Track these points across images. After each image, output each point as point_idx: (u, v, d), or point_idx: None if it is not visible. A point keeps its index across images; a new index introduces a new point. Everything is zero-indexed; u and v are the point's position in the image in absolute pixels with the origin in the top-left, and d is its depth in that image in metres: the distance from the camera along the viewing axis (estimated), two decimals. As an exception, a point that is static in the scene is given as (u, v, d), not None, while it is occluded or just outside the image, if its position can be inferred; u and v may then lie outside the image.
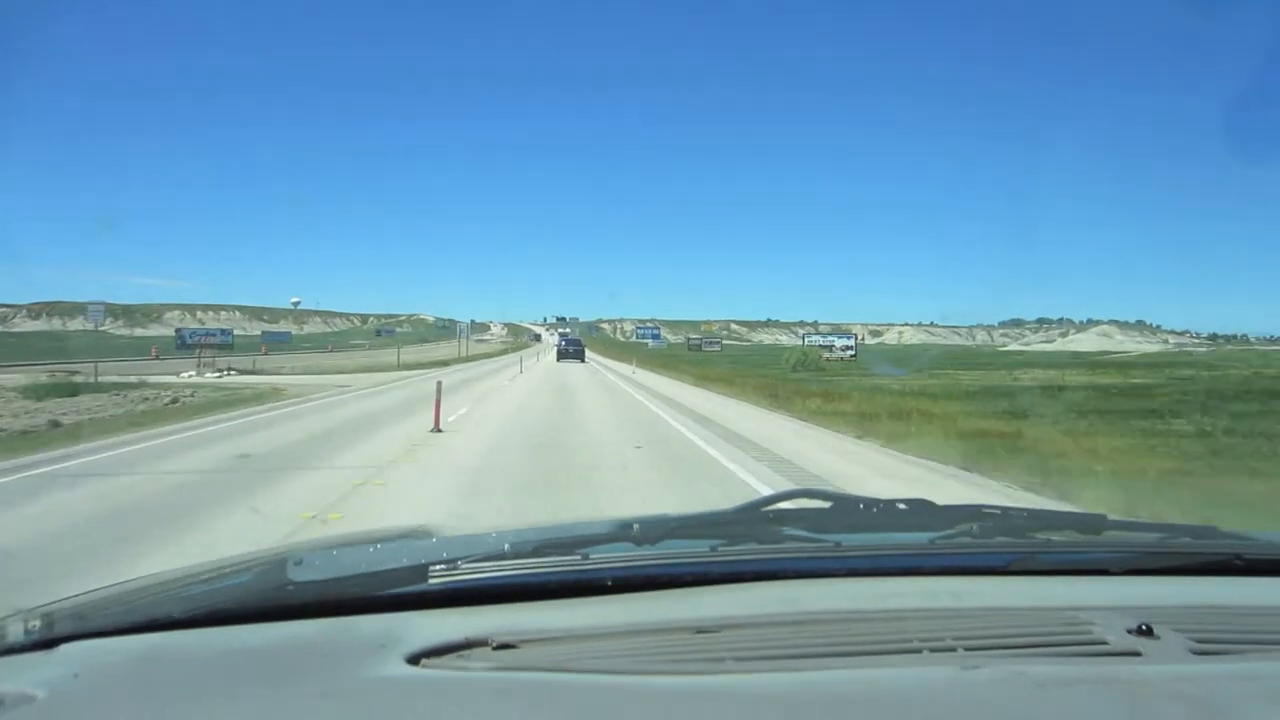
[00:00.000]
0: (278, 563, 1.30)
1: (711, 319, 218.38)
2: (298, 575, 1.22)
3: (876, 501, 1.46)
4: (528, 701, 0.86)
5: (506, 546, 1.26)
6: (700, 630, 1.05)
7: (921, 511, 1.45)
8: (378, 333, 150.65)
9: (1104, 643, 1.01)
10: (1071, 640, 1.02)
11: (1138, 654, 0.98)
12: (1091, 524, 1.46)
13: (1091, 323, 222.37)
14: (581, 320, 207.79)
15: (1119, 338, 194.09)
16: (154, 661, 1.03)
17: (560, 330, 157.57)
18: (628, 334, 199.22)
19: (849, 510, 1.47)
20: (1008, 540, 1.40)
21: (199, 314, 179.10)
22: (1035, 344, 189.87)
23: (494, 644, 1.00)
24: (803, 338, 59.03)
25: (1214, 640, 1.02)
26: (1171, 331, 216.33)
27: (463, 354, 65.20)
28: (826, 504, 1.49)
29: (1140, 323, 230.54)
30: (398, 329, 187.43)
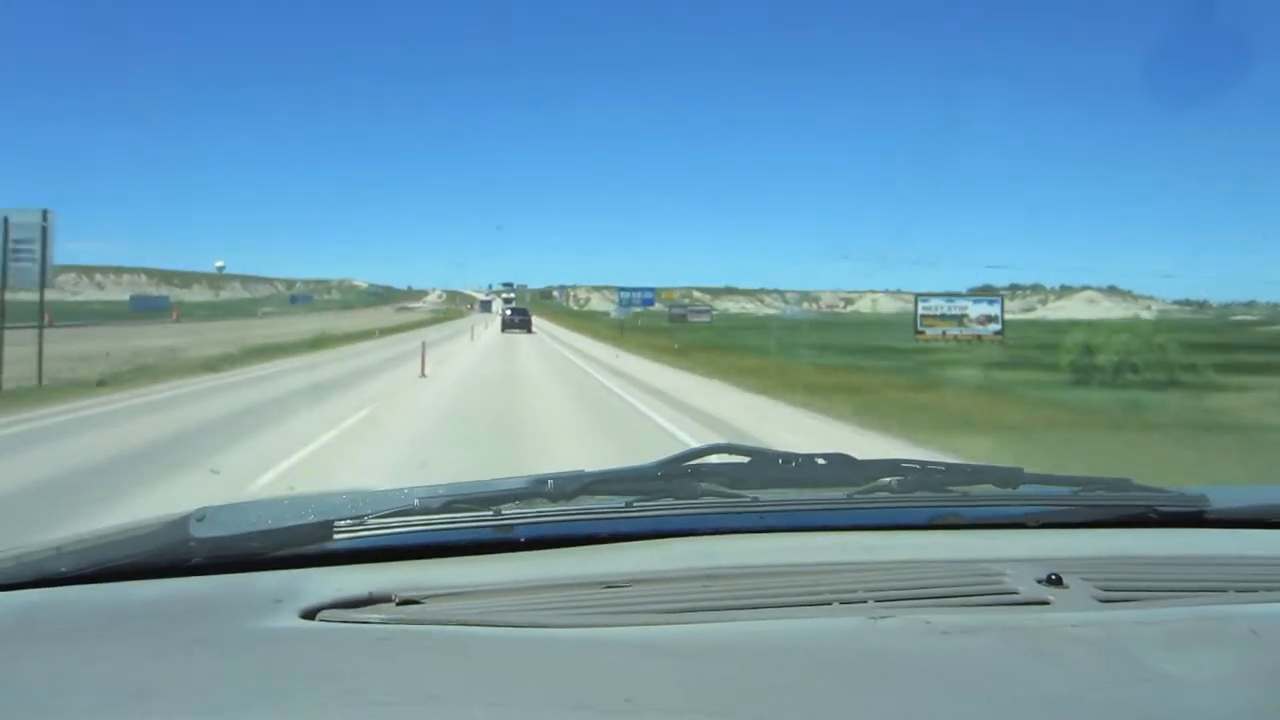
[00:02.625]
0: (181, 520, 1.23)
1: (671, 286, 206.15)
2: (199, 531, 1.17)
3: (795, 456, 1.42)
4: (422, 651, 0.87)
5: (416, 502, 1.22)
6: (610, 585, 1.05)
7: (840, 466, 1.42)
8: (292, 299, 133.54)
9: (1014, 592, 1.03)
10: (982, 591, 1.04)
11: (1046, 603, 1.00)
12: (1009, 477, 1.45)
13: (1067, 289, 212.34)
14: (531, 288, 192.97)
15: (1105, 304, 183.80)
16: (34, 616, 1.01)
17: (505, 296, 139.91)
18: (582, 301, 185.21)
19: (768, 465, 1.42)
20: (926, 495, 1.39)
21: (97, 276, 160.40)
22: (1017, 312, 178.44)
23: (397, 600, 0.99)
24: (915, 300, 38.27)
25: (1120, 589, 1.05)
26: (1148, 297, 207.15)
27: (372, 327, 50.10)
28: (746, 459, 1.43)
29: (1113, 288, 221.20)
30: (325, 295, 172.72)
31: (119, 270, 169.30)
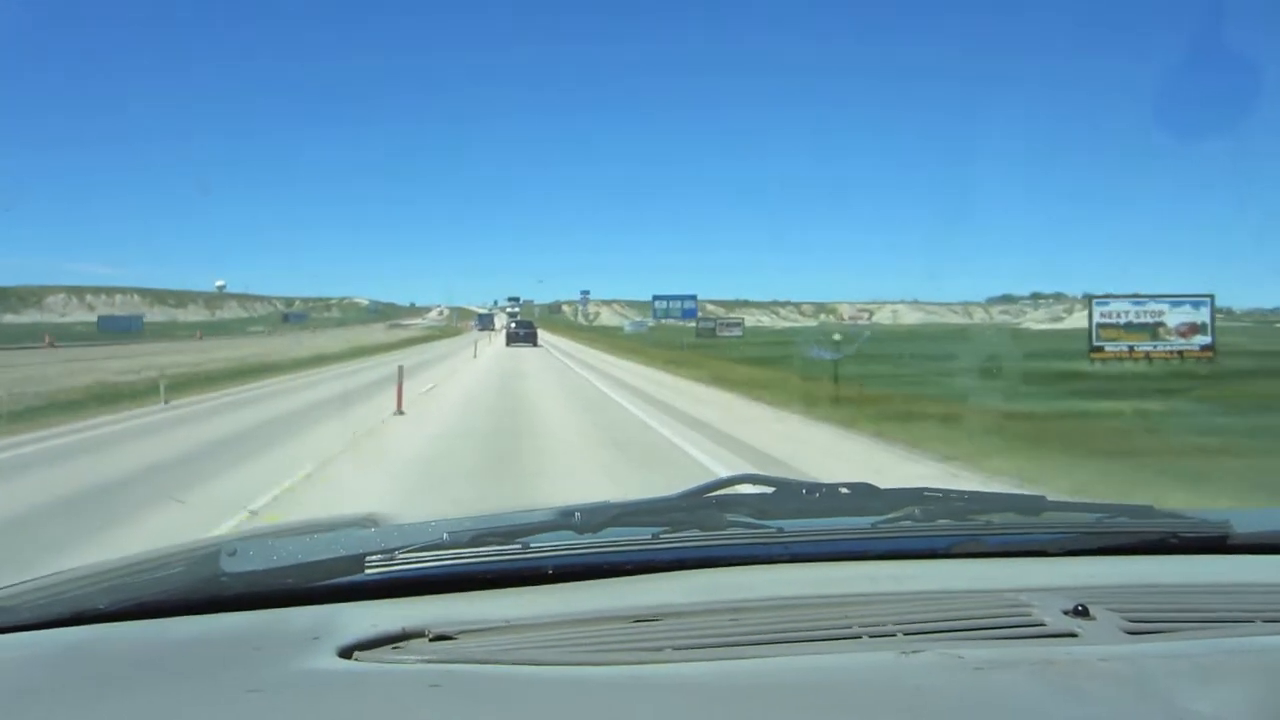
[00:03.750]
0: (211, 553, 1.23)
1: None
2: (230, 566, 1.17)
3: (819, 486, 1.46)
4: (460, 694, 0.87)
5: (445, 536, 1.23)
6: (638, 619, 1.06)
7: (864, 495, 1.44)
8: (285, 318, 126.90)
9: (1041, 624, 1.03)
10: (1010, 623, 1.04)
11: (1074, 635, 1.01)
12: (1031, 505, 1.47)
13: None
14: (538, 304, 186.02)
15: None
16: (76, 655, 1.01)
17: (510, 311, 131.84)
18: (591, 316, 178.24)
19: (792, 495, 1.44)
20: (949, 523, 1.39)
21: (88, 297, 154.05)
22: (1041, 321, 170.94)
23: (430, 635, 1.00)
24: (1089, 304, 26.78)
25: (1147, 619, 1.05)
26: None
27: (361, 344, 44.08)
28: (770, 489, 1.47)
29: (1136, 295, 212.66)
30: (325, 313, 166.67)
31: (111, 290, 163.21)
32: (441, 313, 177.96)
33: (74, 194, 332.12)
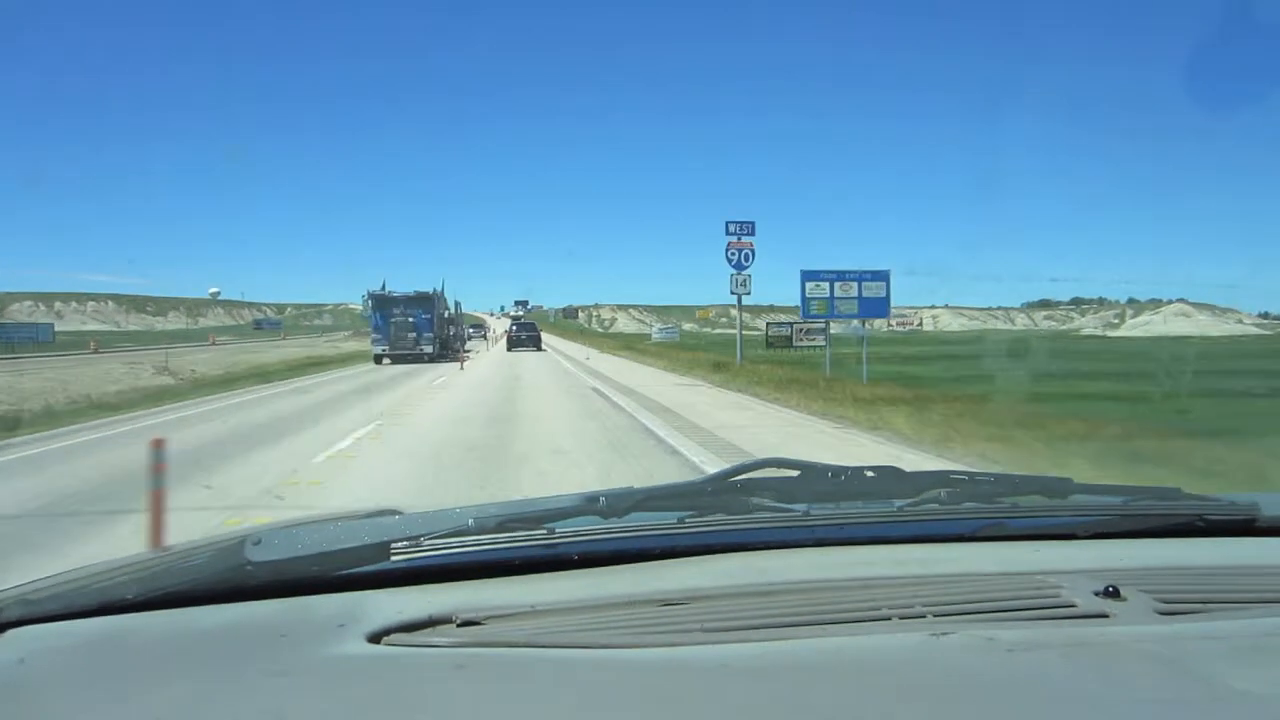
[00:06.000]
0: (236, 543, 1.24)
1: (707, 304, 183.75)
2: (256, 555, 1.17)
3: (845, 469, 1.43)
4: (491, 676, 0.87)
5: (470, 522, 1.23)
6: (667, 603, 1.05)
7: (889, 478, 1.44)
8: (256, 324, 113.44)
9: (1072, 605, 1.02)
10: (1040, 604, 1.03)
11: (1106, 616, 0.99)
12: (1058, 488, 1.45)
13: (1154, 302, 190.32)
14: (548, 308, 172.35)
15: (1200, 318, 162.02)
16: (104, 645, 1.01)
17: (513, 315, 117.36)
18: (606, 322, 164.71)
19: (817, 479, 1.43)
20: (975, 506, 1.38)
21: (56, 304, 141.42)
22: (1095, 328, 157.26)
23: (458, 621, 1.00)
24: None
25: (1179, 600, 1.04)
26: (1232, 310, 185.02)
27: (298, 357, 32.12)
28: (795, 473, 1.45)
29: (1182, 302, 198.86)
30: (316, 319, 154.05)
31: (83, 297, 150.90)
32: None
33: (63, 198, 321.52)
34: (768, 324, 47.93)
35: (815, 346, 39.85)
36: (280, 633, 0.99)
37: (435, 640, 0.95)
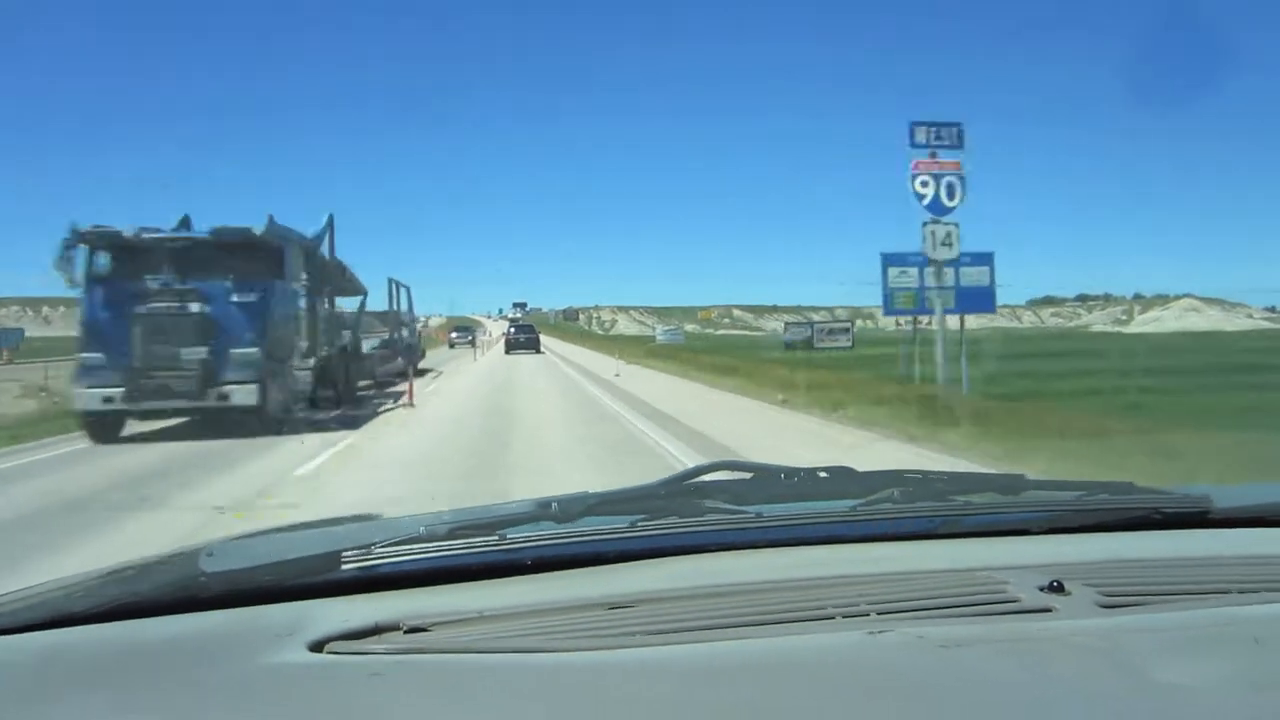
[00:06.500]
0: (190, 554, 1.25)
1: (709, 305, 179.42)
2: (209, 566, 1.17)
3: (797, 471, 1.45)
4: (429, 683, 0.88)
5: (422, 529, 1.22)
6: (614, 606, 1.05)
7: (843, 479, 1.45)
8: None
9: (1016, 600, 1.02)
10: (984, 600, 1.03)
11: (1048, 610, 1.00)
12: (1011, 485, 1.47)
13: (1160, 298, 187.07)
14: (545, 310, 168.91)
15: (1211, 313, 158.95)
16: (52, 658, 1.01)
17: (511, 317, 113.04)
18: (607, 324, 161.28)
19: (770, 481, 1.46)
20: (928, 505, 1.38)
21: (44, 309, 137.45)
22: (1105, 324, 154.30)
23: (405, 628, 0.99)
24: None
25: (1123, 594, 1.04)
26: (1241, 305, 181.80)
27: None
28: (748, 475, 1.47)
29: (1191, 298, 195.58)
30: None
31: (71, 302, 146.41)
32: (423, 323, 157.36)
33: (63, 201, 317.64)
34: (786, 324, 44.60)
35: (838, 349, 36.79)
36: (224, 644, 0.98)
37: (375, 647, 0.94)
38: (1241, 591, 1.06)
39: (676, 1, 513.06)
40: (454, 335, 56.71)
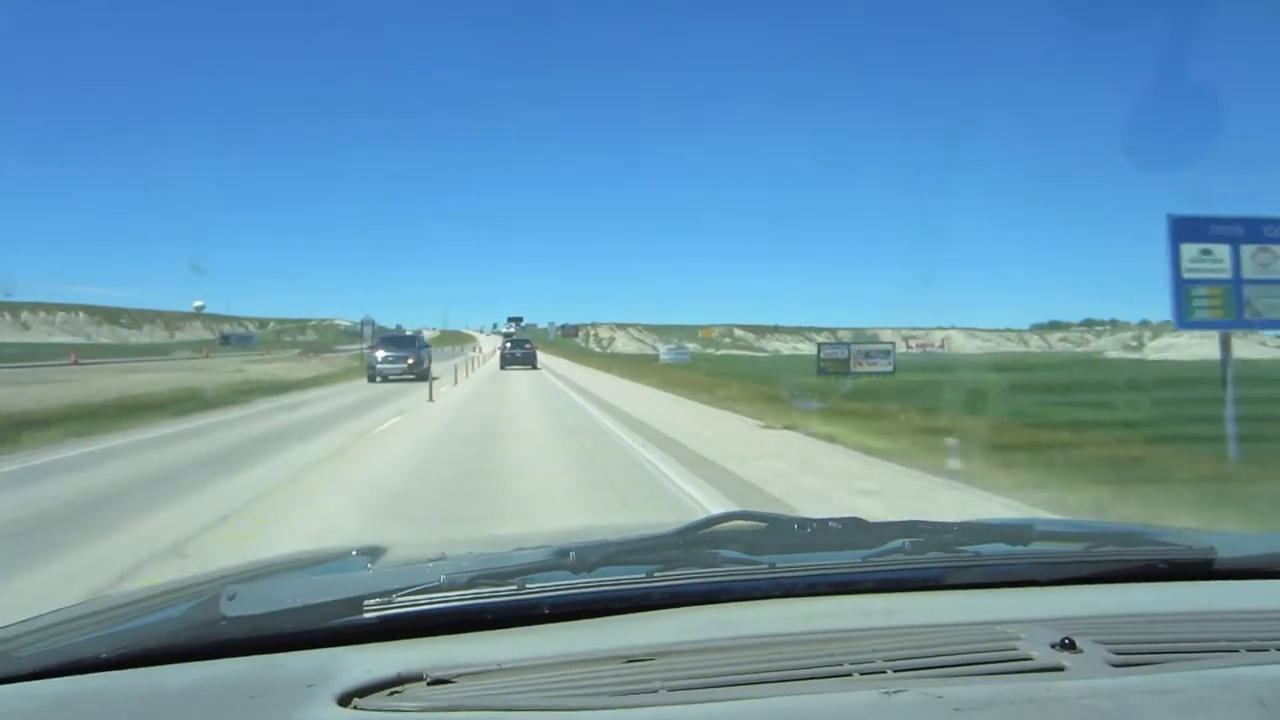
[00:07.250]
0: (209, 598, 1.25)
1: (711, 324, 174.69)
2: (230, 610, 1.18)
3: (810, 521, 1.47)
4: None
5: (443, 577, 1.24)
6: (633, 659, 1.07)
7: (854, 529, 1.47)
8: (224, 339, 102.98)
9: (1029, 658, 1.04)
10: (998, 658, 1.05)
11: (1061, 669, 1.01)
12: (1020, 535, 1.50)
13: (1168, 323, 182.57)
14: (541, 325, 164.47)
15: (1234, 337, 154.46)
16: (72, 706, 1.01)
17: (505, 332, 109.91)
18: (605, 341, 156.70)
19: (784, 530, 1.47)
20: (939, 555, 1.40)
21: (24, 315, 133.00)
22: (1116, 350, 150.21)
23: (428, 679, 1.01)
24: None
25: (1133, 651, 1.06)
26: (1260, 333, 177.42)
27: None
28: (762, 525, 1.49)
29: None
30: (301, 335, 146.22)
31: (52, 308, 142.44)
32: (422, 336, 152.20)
33: (61, 205, 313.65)
34: (820, 345, 40.12)
35: (878, 373, 32.40)
36: (249, 694, 0.98)
37: (405, 703, 0.95)
38: (1250, 649, 1.08)
39: (677, 23, 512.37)
40: (378, 356, 30.11)
